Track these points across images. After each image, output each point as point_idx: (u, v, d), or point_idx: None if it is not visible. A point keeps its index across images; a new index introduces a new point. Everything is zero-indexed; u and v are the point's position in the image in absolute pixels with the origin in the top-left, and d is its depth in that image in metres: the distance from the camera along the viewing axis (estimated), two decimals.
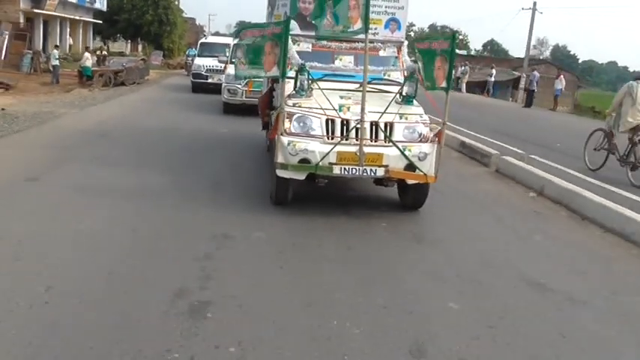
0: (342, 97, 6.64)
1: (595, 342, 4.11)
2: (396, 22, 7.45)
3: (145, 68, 30.34)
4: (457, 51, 35.50)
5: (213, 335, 3.73)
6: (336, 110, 6.43)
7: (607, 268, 5.74)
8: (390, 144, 6.45)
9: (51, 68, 25.89)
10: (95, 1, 40.11)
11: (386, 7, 7.40)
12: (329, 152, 6.25)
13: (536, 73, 30.09)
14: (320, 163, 6.27)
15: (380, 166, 6.41)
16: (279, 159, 6.32)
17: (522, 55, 45.39)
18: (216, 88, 18.02)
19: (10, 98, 17.76)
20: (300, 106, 6.52)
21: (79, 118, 13.86)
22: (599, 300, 4.83)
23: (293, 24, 7.10)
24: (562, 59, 78.85)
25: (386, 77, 7.33)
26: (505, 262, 5.60)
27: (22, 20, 30.34)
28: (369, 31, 7.30)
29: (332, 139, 6.38)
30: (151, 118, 14.37)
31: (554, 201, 7.98)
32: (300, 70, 6.69)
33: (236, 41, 8.02)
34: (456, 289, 4.82)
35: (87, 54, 26.00)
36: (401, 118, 6.59)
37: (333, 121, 6.42)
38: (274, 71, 6.36)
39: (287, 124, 6.39)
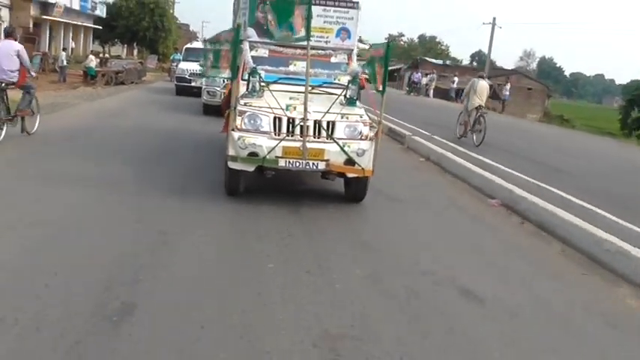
0: (290, 98, 7.39)
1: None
2: (346, 32, 8.22)
3: (142, 70, 33.39)
4: (431, 60, 38.68)
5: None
6: (282, 109, 7.19)
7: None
8: (331, 141, 7.22)
9: (57, 69, 28.52)
10: (96, 8, 43.78)
11: (337, 17, 8.17)
12: (275, 147, 7.01)
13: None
14: (267, 156, 7.02)
15: (322, 160, 7.16)
16: (230, 152, 7.07)
17: (508, 66, 50.22)
18: (198, 92, 18.97)
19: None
20: (250, 105, 7.28)
21: (88, 107, 17.34)
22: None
23: (251, 31, 7.92)
24: (548, 71, 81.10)
25: (336, 81, 8.08)
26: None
27: (31, 25, 33.86)
28: (322, 39, 8.18)
29: (279, 135, 7.14)
30: (139, 112, 16.83)
31: (433, 162, 11.94)
32: (252, 72, 7.46)
33: (203, 46, 8.78)
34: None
35: (91, 56, 29.22)
36: (342, 117, 7.34)
37: (280, 119, 7.18)
38: (227, 73, 7.13)
39: (238, 121, 7.15)
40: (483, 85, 14.92)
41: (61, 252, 5.11)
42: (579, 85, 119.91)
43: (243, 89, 7.60)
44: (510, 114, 35.44)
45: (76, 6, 39.73)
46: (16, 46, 10.15)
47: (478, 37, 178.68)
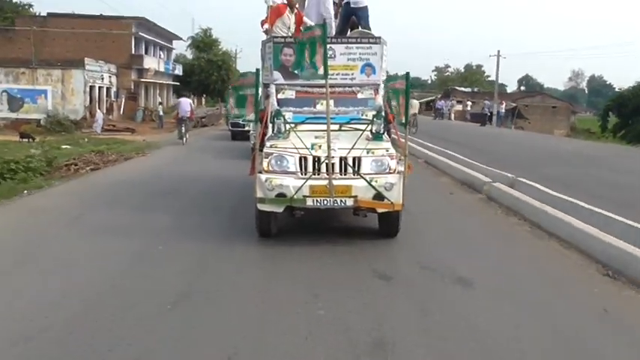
0: (316, 137, 7.53)
1: None
2: (370, 67, 8.32)
3: (218, 115, 42.21)
4: (461, 88, 47.68)
5: None
6: (308, 149, 7.35)
7: None
8: (358, 177, 7.29)
9: (156, 118, 39.43)
10: (175, 69, 52.62)
11: (360, 54, 8.28)
12: (302, 186, 7.14)
13: (487, 102, 45.95)
14: (295, 196, 7.16)
15: (349, 197, 7.22)
16: (259, 194, 7.25)
17: (560, 87, 57.09)
18: None
19: (139, 136, 28.74)
20: (276, 147, 7.48)
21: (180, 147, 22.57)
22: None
23: (277, 74, 8.18)
24: (598, 89, 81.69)
25: (364, 117, 8.17)
26: None
27: (132, 87, 44.33)
28: (348, 76, 8.35)
29: (305, 174, 7.29)
30: (202, 156, 19.21)
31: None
32: (276, 115, 7.69)
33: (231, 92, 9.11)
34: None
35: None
36: (368, 152, 7.41)
37: (305, 158, 7.33)
38: (252, 117, 7.40)
39: (265, 163, 7.36)
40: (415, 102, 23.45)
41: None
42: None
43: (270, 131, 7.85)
44: (538, 130, 41.41)
45: (161, 69, 49.77)
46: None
47: (524, 62, 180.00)
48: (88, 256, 6.92)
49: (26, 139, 24.27)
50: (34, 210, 9.76)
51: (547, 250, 7.44)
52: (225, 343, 4.51)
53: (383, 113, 7.81)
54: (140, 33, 45.38)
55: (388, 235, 7.77)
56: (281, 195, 7.19)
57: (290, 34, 8.42)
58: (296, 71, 7.81)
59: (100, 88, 39.24)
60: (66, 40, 42.44)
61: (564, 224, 7.86)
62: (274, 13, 8.72)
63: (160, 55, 51.99)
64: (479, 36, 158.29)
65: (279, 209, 7.33)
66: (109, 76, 41.27)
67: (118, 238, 7.69)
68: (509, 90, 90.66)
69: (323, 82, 7.13)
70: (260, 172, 7.31)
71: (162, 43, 52.40)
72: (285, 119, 7.68)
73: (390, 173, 7.34)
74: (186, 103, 24.72)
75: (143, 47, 47.24)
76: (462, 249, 7.48)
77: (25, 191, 11.37)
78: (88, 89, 36.76)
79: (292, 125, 7.76)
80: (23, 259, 6.82)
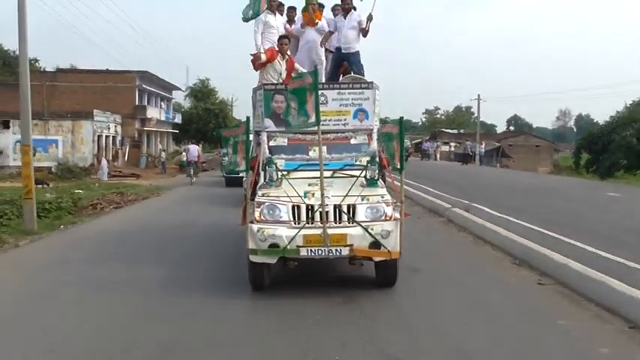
0: (309, 185, 7.00)
1: None
2: (363, 112, 7.83)
3: (217, 160, 39.46)
4: (447, 130, 46.96)
5: None
6: (301, 197, 6.80)
7: None
8: (354, 224, 6.73)
9: (157, 164, 40.46)
10: (175, 117, 53.02)
11: (352, 99, 7.81)
12: (295, 236, 6.57)
13: (468, 143, 46.15)
14: (288, 247, 6.59)
15: (345, 246, 6.64)
16: (250, 245, 6.68)
17: (548, 126, 58.82)
18: None
19: (145, 181, 29.04)
20: (268, 196, 6.94)
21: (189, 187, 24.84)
22: None
23: (269, 122, 7.70)
24: (586, 127, 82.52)
25: (357, 163, 7.64)
26: None
27: (136, 135, 44.97)
28: (340, 121, 7.85)
29: (299, 223, 6.72)
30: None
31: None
32: (268, 163, 7.16)
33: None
34: None
35: (183, 153, 36.71)
36: (363, 199, 6.87)
37: (299, 206, 6.78)
38: (243, 166, 6.87)
39: (256, 212, 6.80)
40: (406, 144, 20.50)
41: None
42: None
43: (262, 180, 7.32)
44: (522, 168, 42.21)
45: (162, 118, 50.24)
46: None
47: (513, 104, 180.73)
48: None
49: (40, 185, 24.27)
50: (75, 239, 11.58)
51: (480, 252, 9.89)
52: None
53: (377, 159, 7.29)
54: (143, 85, 46.04)
55: (386, 284, 7.16)
56: (274, 245, 6.62)
57: (281, 81, 7.96)
58: (288, 119, 7.30)
59: (106, 137, 40.63)
60: (74, 93, 43.94)
61: (493, 233, 10.41)
62: (268, 56, 8.27)
63: (160, 105, 52.39)
64: (469, 79, 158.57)
65: (272, 260, 6.76)
66: (115, 126, 42.27)
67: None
68: (499, 130, 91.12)
69: (315, 129, 6.63)
70: (252, 222, 6.75)
71: (163, 93, 52.86)
72: (277, 167, 7.16)
73: (387, 220, 6.80)
74: (195, 149, 28.19)
75: (146, 98, 47.87)
76: (424, 254, 9.14)
77: (62, 226, 13.07)
78: (96, 138, 37.55)
79: (285, 173, 7.24)
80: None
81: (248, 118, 7.03)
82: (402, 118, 6.74)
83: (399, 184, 7.64)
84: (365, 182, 7.15)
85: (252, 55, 8.33)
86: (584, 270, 7.04)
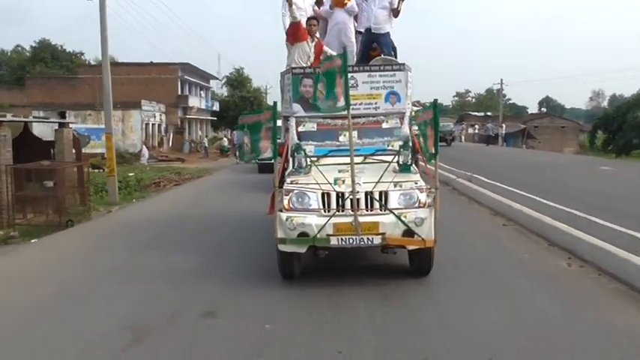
0: (340, 172, 6.40)
1: None
2: (395, 95, 7.16)
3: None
4: (474, 113, 43.98)
5: None
6: (330, 184, 6.20)
7: None
8: (387, 212, 6.10)
9: (199, 149, 42.14)
10: (213, 105, 53.37)
11: (384, 82, 7.14)
12: (325, 224, 6.00)
13: (489, 125, 47.62)
14: (317, 236, 6.02)
15: (377, 234, 6.03)
16: (279, 234, 6.12)
17: (582, 107, 56.91)
18: None
19: (190, 164, 30.21)
20: (297, 183, 6.36)
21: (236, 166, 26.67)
22: None
23: (297, 107, 7.09)
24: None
25: (390, 148, 6.99)
26: None
27: (179, 123, 46.08)
28: (371, 105, 7.19)
29: (329, 211, 6.13)
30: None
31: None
32: (296, 149, 6.57)
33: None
34: None
35: (225, 139, 40.84)
36: (396, 186, 6.23)
37: (329, 194, 6.19)
38: (269, 153, 6.28)
39: (285, 200, 6.23)
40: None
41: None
42: None
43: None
44: (548, 149, 40.95)
45: (202, 106, 50.67)
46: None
47: (546, 86, 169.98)
48: None
49: (97, 169, 25.00)
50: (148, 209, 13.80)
51: (471, 208, 12.14)
52: None
53: (410, 143, 6.61)
54: (185, 76, 46.57)
55: (421, 273, 6.52)
56: (303, 234, 6.06)
57: (309, 64, 7.33)
58: (316, 103, 6.67)
59: (152, 125, 41.80)
60: (122, 85, 43.85)
61: (482, 195, 12.85)
62: (297, 29, 7.61)
63: (200, 94, 52.52)
64: (501, 61, 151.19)
65: (302, 250, 6.19)
66: (160, 115, 43.48)
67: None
68: (530, 111, 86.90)
69: (345, 113, 5.99)
70: (280, 211, 6.19)
71: (202, 83, 53.01)
72: (305, 153, 6.56)
73: (420, 207, 6.15)
74: (240, 134, 27.59)
75: (187, 88, 48.19)
76: None
77: (134, 200, 15.54)
78: (144, 126, 38.33)
79: (314, 159, 6.64)
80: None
81: (275, 103, 6.41)
82: (435, 100, 6.02)
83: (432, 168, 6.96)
84: (397, 168, 6.51)
85: (285, 32, 7.69)
86: (534, 214, 9.55)
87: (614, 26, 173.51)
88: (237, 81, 54.68)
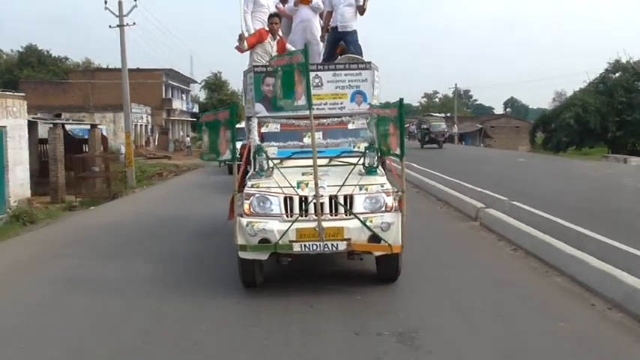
0: (303, 174, 5.58)
1: None
2: (361, 95, 6.34)
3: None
4: (435, 114, 42.26)
5: None
6: (293, 188, 5.38)
7: None
8: (352, 217, 5.30)
9: (183, 148, 42.29)
10: (193, 108, 53.75)
11: (349, 81, 6.32)
12: (287, 230, 5.19)
13: (455, 126, 50.13)
14: (280, 242, 5.20)
15: (342, 240, 5.25)
16: (239, 240, 5.30)
17: (546, 107, 57.04)
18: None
19: (176, 161, 31.90)
20: (258, 187, 5.52)
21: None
22: None
23: (259, 107, 6.25)
24: None
25: (355, 149, 6.17)
26: None
27: (163, 124, 46.88)
28: (336, 105, 6.39)
29: (291, 216, 5.31)
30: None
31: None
32: (258, 151, 5.73)
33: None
34: None
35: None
36: (361, 189, 5.44)
37: (291, 198, 5.38)
38: (227, 155, 5.43)
39: (245, 205, 5.40)
40: None
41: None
42: None
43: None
44: (503, 148, 43.67)
45: (184, 108, 52.26)
46: None
47: (511, 87, 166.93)
48: None
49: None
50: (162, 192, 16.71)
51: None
52: None
53: (376, 145, 5.81)
54: (169, 81, 47.33)
55: (388, 279, 5.73)
56: (264, 241, 5.24)
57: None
58: (274, 101, 5.81)
59: (140, 125, 41.25)
60: (109, 89, 44.54)
61: (417, 179, 14.64)
62: (255, 38, 6.73)
63: (182, 97, 52.99)
64: (469, 63, 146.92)
65: (264, 257, 5.37)
66: (146, 116, 43.45)
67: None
68: (496, 112, 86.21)
69: (308, 113, 5.17)
70: (240, 216, 5.35)
71: (183, 87, 53.49)
72: (267, 155, 5.72)
73: (387, 211, 5.37)
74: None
75: (170, 92, 48.70)
76: None
77: (144, 186, 18.47)
78: (133, 127, 38.09)
79: (277, 161, 5.81)
80: None
81: (234, 102, 5.55)
82: (401, 99, 5.23)
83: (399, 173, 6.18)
84: (363, 170, 5.71)
85: (238, 37, 6.74)
86: (440, 186, 12.59)
87: (580, 29, 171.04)
88: (215, 84, 54.53)
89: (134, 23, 21.72)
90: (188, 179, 20.29)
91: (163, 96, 46.09)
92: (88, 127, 21.21)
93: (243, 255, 5.33)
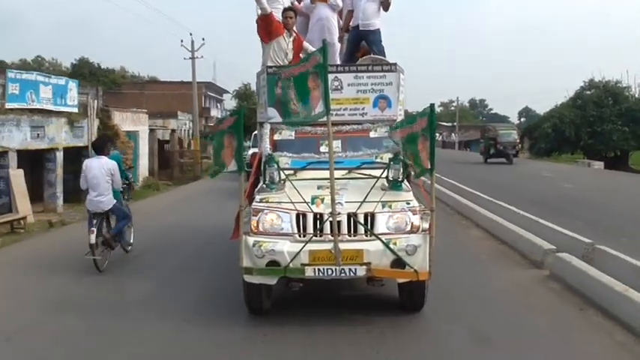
0: (319, 188, 4.30)
1: None
2: (385, 100, 5.04)
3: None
4: (444, 123, 42.21)
5: None
6: (307, 203, 4.10)
7: None
8: (372, 238, 4.00)
9: None
10: (227, 116, 53.63)
11: (372, 84, 5.01)
12: (299, 252, 3.92)
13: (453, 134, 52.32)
14: (290, 265, 3.94)
15: (361, 264, 3.96)
16: (245, 262, 4.04)
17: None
18: None
19: None
20: (267, 201, 4.26)
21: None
22: None
23: (272, 112, 4.93)
24: None
25: (378, 160, 4.85)
26: None
27: (203, 129, 40.47)
28: (357, 111, 5.07)
29: (304, 236, 4.03)
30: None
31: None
32: (268, 160, 4.46)
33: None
34: None
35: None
36: (384, 206, 4.13)
37: (304, 215, 4.10)
38: (233, 166, 4.16)
39: (253, 222, 4.14)
40: None
41: None
42: None
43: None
44: None
45: (219, 116, 47.22)
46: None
47: (525, 96, 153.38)
48: None
49: None
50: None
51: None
52: None
53: (402, 156, 4.47)
54: (208, 92, 47.16)
55: (412, 308, 4.41)
56: (273, 263, 3.99)
57: (287, 62, 5.18)
58: (288, 112, 4.47)
59: (184, 130, 41.12)
60: (157, 99, 44.78)
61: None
62: (268, 24, 5.32)
63: (217, 106, 52.47)
64: (486, 72, 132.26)
65: (272, 281, 4.10)
66: (189, 122, 42.13)
67: None
68: (511, 120, 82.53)
69: (325, 120, 3.88)
70: (247, 234, 4.08)
71: (218, 97, 53.23)
72: (278, 166, 4.43)
73: (413, 232, 4.04)
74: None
75: (208, 101, 48.59)
76: None
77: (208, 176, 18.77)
78: (179, 131, 38.96)
79: (290, 172, 4.53)
80: None
81: (241, 107, 4.32)
82: (432, 105, 3.89)
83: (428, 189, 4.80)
84: (387, 184, 4.39)
85: (256, 22, 5.36)
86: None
87: (594, 38, 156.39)
88: (245, 94, 54.17)
89: (202, 56, 26.02)
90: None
91: (203, 105, 45.96)
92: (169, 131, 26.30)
93: (248, 279, 4.09)
